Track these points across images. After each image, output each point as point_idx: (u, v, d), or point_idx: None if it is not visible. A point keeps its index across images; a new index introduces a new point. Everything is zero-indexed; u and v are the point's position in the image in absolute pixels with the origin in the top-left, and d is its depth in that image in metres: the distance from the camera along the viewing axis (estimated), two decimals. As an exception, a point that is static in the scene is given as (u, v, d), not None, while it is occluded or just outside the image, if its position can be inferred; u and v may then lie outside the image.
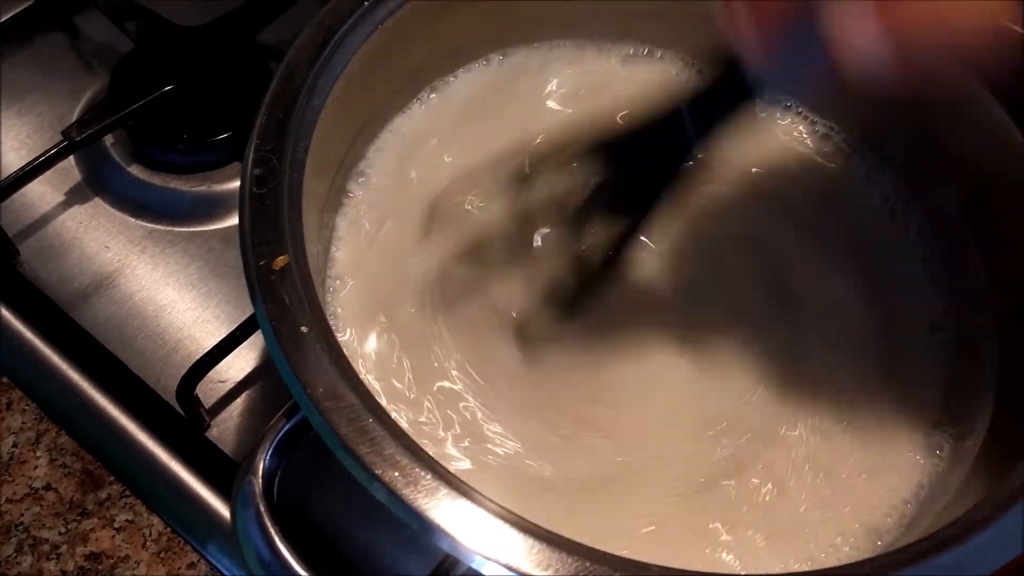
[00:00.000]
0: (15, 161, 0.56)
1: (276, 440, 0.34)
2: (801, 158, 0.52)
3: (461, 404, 0.42)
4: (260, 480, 0.33)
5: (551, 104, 0.52)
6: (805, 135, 0.52)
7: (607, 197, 0.43)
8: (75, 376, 0.49)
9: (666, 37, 0.53)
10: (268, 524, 0.32)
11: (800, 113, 0.52)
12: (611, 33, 0.53)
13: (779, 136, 0.52)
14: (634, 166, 0.43)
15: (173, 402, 0.47)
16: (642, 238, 0.46)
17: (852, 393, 0.44)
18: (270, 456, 0.34)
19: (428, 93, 0.51)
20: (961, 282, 0.46)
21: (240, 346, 0.47)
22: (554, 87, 0.53)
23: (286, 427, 0.35)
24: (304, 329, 0.34)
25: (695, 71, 0.53)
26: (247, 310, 0.50)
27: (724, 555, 0.39)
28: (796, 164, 0.52)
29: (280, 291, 0.34)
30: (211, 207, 0.55)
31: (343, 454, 0.32)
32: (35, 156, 0.53)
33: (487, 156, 0.49)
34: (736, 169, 0.50)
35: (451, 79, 0.51)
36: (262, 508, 0.32)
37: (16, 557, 0.44)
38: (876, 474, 0.41)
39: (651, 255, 0.47)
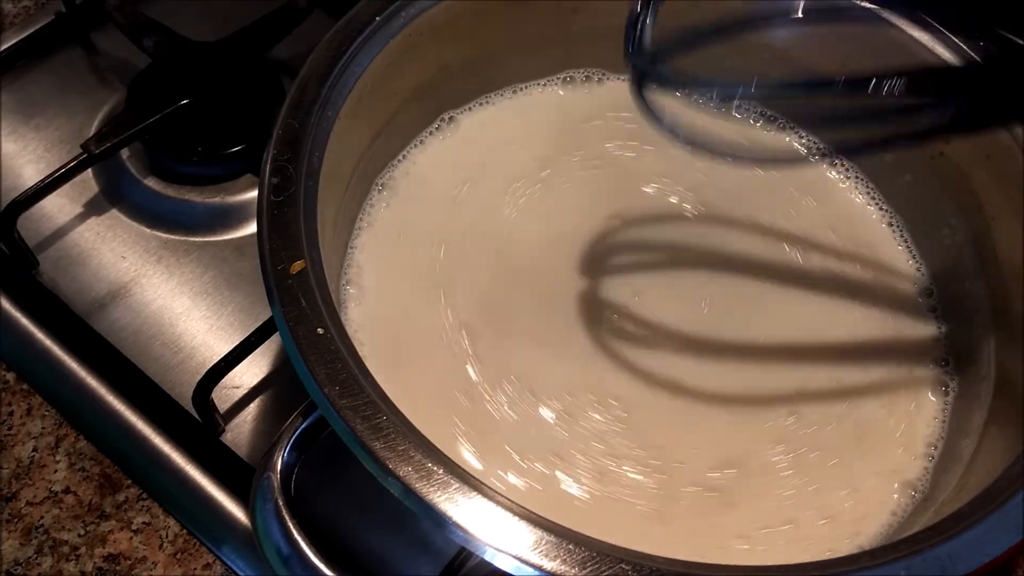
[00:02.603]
0: (34, 174, 0.57)
1: (293, 437, 0.35)
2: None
3: (473, 407, 0.43)
4: (278, 476, 0.34)
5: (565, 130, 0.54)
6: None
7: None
8: (93, 382, 0.50)
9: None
10: (287, 519, 0.33)
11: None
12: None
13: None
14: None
15: (189, 407, 0.48)
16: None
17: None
18: (288, 453, 0.35)
19: (443, 104, 0.53)
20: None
21: (254, 352, 0.49)
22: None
23: (303, 425, 0.36)
24: (320, 331, 0.35)
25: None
26: (260, 317, 0.51)
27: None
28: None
29: (297, 294, 0.36)
30: (225, 218, 0.57)
31: (358, 450, 0.33)
32: (54, 169, 0.54)
33: (503, 172, 0.51)
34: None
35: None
36: (280, 503, 0.33)
37: (36, 558, 0.45)
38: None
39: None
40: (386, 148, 0.50)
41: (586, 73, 0.55)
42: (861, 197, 0.52)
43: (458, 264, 0.48)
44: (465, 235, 0.49)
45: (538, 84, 0.55)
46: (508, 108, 0.54)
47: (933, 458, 0.43)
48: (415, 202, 0.50)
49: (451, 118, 0.53)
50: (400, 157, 0.51)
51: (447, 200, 0.50)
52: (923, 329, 0.48)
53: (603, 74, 0.55)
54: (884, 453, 0.43)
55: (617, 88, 0.55)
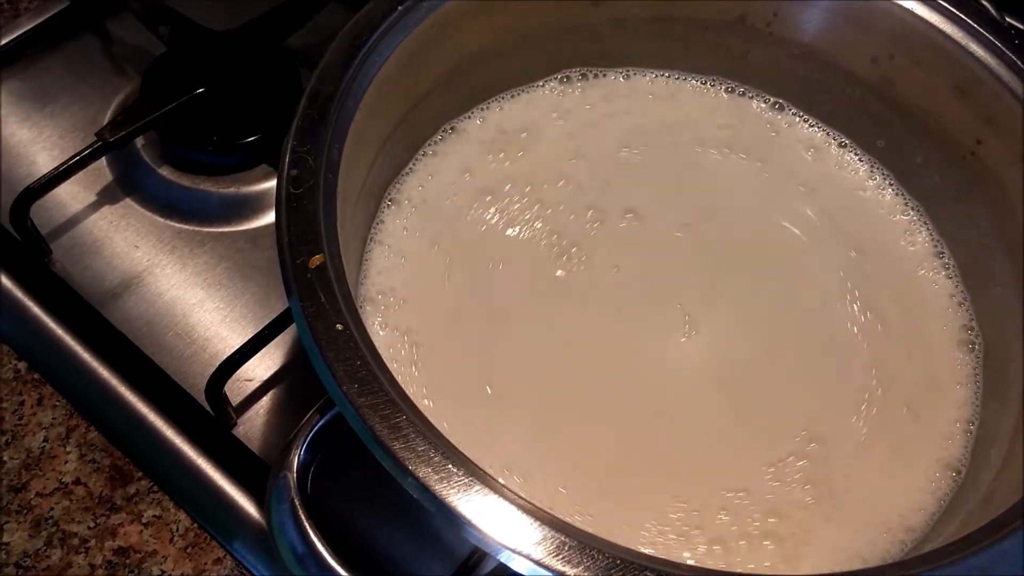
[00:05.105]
0: (48, 162, 0.57)
1: (310, 436, 0.35)
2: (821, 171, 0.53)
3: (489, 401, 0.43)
4: (295, 475, 0.33)
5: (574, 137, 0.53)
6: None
7: None
8: (105, 373, 0.49)
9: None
10: (303, 518, 0.32)
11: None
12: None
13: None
14: None
15: (201, 399, 0.48)
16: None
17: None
18: (304, 451, 0.34)
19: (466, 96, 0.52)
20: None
21: (268, 345, 0.48)
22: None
23: (320, 423, 0.35)
24: (339, 327, 0.34)
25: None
26: (274, 310, 0.51)
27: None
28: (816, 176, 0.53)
29: (316, 289, 0.35)
30: (239, 208, 0.56)
31: (377, 450, 0.32)
32: (68, 157, 0.53)
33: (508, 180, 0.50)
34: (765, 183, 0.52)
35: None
36: (296, 502, 0.33)
37: (46, 550, 0.45)
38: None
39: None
40: (395, 157, 0.49)
41: (582, 72, 0.54)
42: (889, 197, 0.51)
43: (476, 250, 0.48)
44: (473, 249, 0.48)
45: (536, 85, 0.54)
46: (509, 112, 0.53)
47: (972, 434, 0.43)
48: (426, 218, 0.49)
49: (452, 128, 0.52)
50: (407, 170, 0.50)
51: (456, 214, 0.49)
52: (954, 326, 0.47)
53: (601, 71, 0.54)
54: (922, 439, 0.43)
55: (617, 84, 0.54)
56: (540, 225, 0.49)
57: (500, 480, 0.32)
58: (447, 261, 0.47)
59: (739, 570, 0.38)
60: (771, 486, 0.41)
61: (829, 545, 0.40)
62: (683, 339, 0.46)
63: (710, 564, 0.39)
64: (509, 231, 0.49)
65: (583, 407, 0.43)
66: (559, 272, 0.47)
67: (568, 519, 0.32)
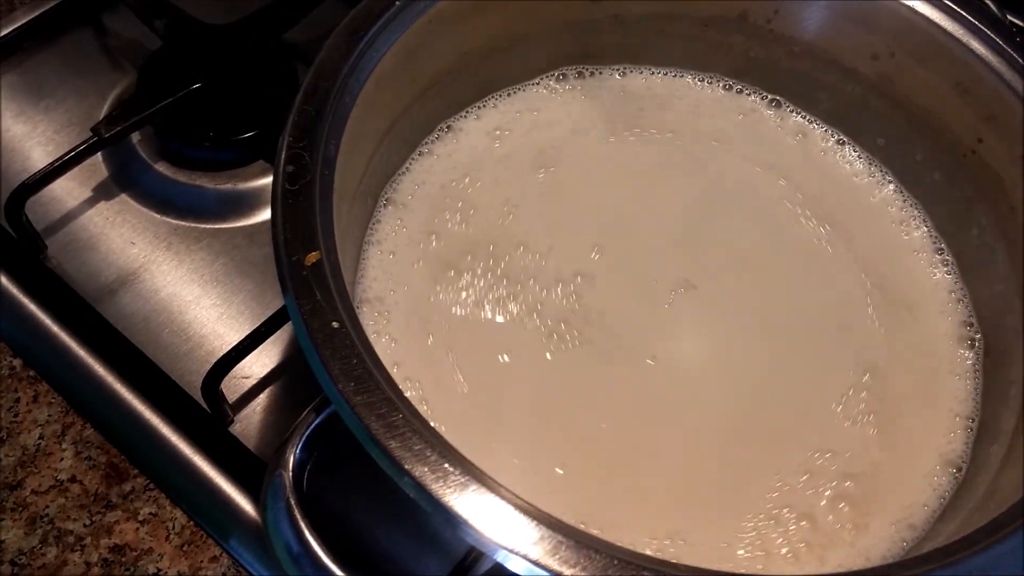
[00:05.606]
0: (43, 157, 0.56)
1: (306, 434, 0.34)
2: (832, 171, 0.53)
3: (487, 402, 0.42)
4: (290, 474, 0.33)
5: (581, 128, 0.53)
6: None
7: None
8: (101, 370, 0.49)
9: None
10: (298, 517, 0.32)
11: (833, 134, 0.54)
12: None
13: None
14: None
15: (197, 397, 0.48)
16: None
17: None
18: (300, 450, 0.34)
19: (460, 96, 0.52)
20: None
21: (264, 342, 0.48)
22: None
23: (316, 421, 0.35)
24: (335, 324, 0.34)
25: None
26: (271, 307, 0.51)
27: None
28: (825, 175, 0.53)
29: (312, 287, 0.35)
30: (236, 204, 0.56)
31: (373, 448, 0.32)
32: (63, 152, 0.53)
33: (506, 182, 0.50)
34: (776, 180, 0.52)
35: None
36: (292, 501, 0.32)
37: (41, 548, 0.45)
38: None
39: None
40: (392, 154, 0.49)
41: (579, 70, 0.54)
42: (888, 194, 0.51)
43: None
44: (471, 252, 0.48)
45: (533, 84, 0.53)
46: (507, 112, 0.53)
47: (972, 430, 0.43)
48: (422, 221, 0.48)
49: (448, 127, 0.51)
50: (404, 169, 0.50)
51: (455, 217, 0.49)
52: (954, 322, 0.47)
53: (597, 69, 0.54)
54: (923, 435, 0.43)
55: (614, 82, 0.54)
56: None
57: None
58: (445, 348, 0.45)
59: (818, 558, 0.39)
60: (844, 428, 0.43)
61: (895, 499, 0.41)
62: (702, 339, 0.46)
63: (800, 546, 0.40)
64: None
65: (641, 437, 0.43)
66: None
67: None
